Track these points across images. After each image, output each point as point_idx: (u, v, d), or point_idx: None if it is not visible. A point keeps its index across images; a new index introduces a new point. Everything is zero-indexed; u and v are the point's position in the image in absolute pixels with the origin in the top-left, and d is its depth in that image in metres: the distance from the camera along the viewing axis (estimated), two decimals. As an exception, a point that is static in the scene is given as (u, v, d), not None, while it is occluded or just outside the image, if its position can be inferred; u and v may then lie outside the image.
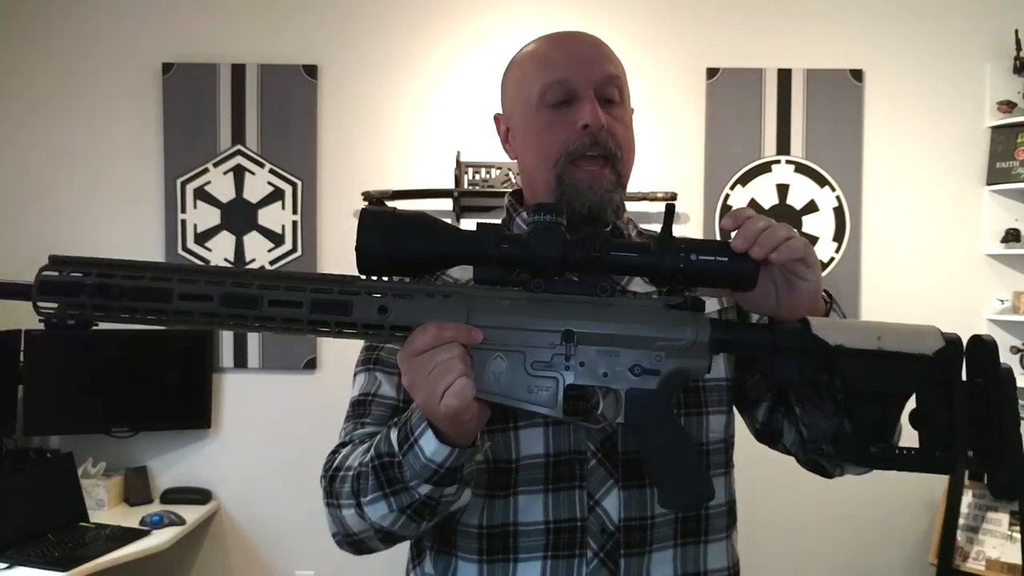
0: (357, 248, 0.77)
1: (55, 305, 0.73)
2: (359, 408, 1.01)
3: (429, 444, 0.80)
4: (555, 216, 0.78)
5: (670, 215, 0.81)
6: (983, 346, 0.79)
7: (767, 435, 1.07)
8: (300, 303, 0.75)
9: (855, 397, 0.79)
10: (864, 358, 0.78)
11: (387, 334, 0.78)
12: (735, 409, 1.08)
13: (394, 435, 0.84)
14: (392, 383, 0.99)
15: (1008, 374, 0.79)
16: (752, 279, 0.81)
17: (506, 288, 0.80)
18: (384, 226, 0.77)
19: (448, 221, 0.84)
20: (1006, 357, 3.01)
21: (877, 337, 0.79)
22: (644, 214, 2.94)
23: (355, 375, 1.05)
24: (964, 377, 0.80)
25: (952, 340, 0.80)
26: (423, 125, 3.04)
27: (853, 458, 0.80)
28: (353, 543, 0.93)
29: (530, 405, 0.79)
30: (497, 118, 1.09)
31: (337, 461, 0.93)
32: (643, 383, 0.80)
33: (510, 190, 1.12)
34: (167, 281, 0.74)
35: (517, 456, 0.94)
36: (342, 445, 0.97)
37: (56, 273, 0.74)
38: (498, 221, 1.10)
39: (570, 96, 0.98)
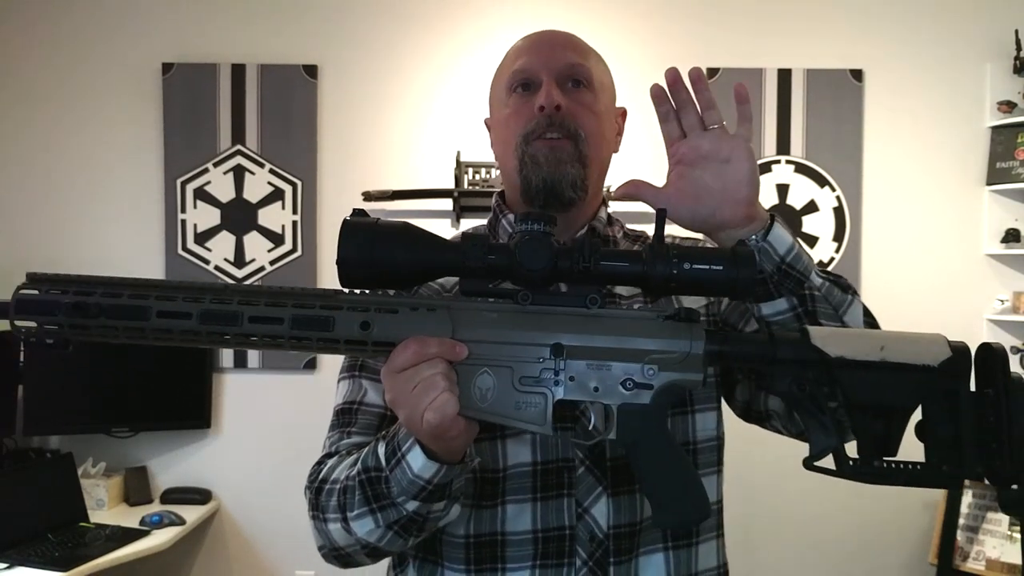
0: (338, 261, 0.75)
1: (34, 324, 0.74)
2: (344, 417, 0.98)
3: (416, 460, 0.78)
4: (543, 225, 0.75)
5: (661, 221, 0.78)
6: (992, 354, 0.75)
7: (753, 415, 1.02)
8: (281, 319, 0.73)
9: (857, 411, 0.75)
10: (866, 370, 0.75)
11: (370, 350, 0.76)
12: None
13: (381, 449, 0.82)
14: (378, 390, 0.96)
15: (1019, 384, 0.74)
16: (750, 288, 0.76)
17: (493, 300, 0.78)
18: (365, 237, 0.75)
19: (439, 228, 0.82)
20: (1006, 357, 3.00)
21: (880, 347, 0.75)
22: (643, 214, 2.93)
23: (339, 381, 1.02)
24: (973, 387, 0.75)
25: (959, 349, 0.75)
26: (423, 125, 3.04)
27: (854, 475, 0.76)
28: (339, 557, 0.91)
29: (518, 422, 0.77)
30: (486, 122, 1.10)
31: (323, 473, 0.91)
32: (635, 397, 0.77)
33: (499, 189, 1.11)
34: (145, 299, 0.73)
35: (504, 465, 0.92)
36: (328, 456, 0.95)
37: (35, 291, 0.74)
38: (484, 222, 1.10)
39: (531, 81, 0.99)
